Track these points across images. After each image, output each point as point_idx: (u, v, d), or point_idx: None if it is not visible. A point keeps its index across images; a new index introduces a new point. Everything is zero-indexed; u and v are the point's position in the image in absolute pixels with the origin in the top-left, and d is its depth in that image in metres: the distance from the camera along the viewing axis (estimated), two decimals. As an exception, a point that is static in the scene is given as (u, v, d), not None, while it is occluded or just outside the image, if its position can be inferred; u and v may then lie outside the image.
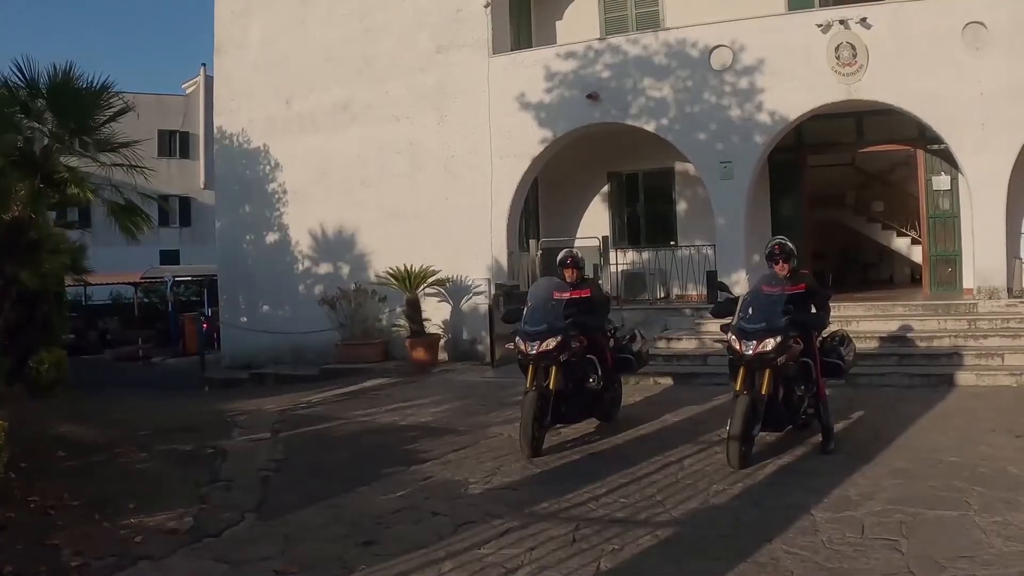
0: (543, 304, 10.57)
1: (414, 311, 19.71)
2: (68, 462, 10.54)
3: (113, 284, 36.77)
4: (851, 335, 11.51)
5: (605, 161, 21.53)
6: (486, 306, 19.14)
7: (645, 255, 21.21)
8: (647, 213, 21.87)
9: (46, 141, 15.11)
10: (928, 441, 9.86)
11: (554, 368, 10.11)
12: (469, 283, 20.08)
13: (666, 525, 7.23)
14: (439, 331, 20.25)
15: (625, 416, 11.76)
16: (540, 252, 20.90)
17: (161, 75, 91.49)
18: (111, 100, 15.60)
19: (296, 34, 22.61)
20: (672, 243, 20.98)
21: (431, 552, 6.74)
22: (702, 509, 7.70)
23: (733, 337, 9.39)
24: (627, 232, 22.05)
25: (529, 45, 21.41)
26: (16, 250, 14.54)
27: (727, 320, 9.85)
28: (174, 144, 49.32)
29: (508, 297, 18.04)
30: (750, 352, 9.12)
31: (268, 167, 23.00)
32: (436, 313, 20.36)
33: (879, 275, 24.94)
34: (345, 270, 21.63)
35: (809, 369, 9.95)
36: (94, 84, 15.14)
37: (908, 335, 15.58)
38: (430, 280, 19.84)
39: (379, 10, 21.43)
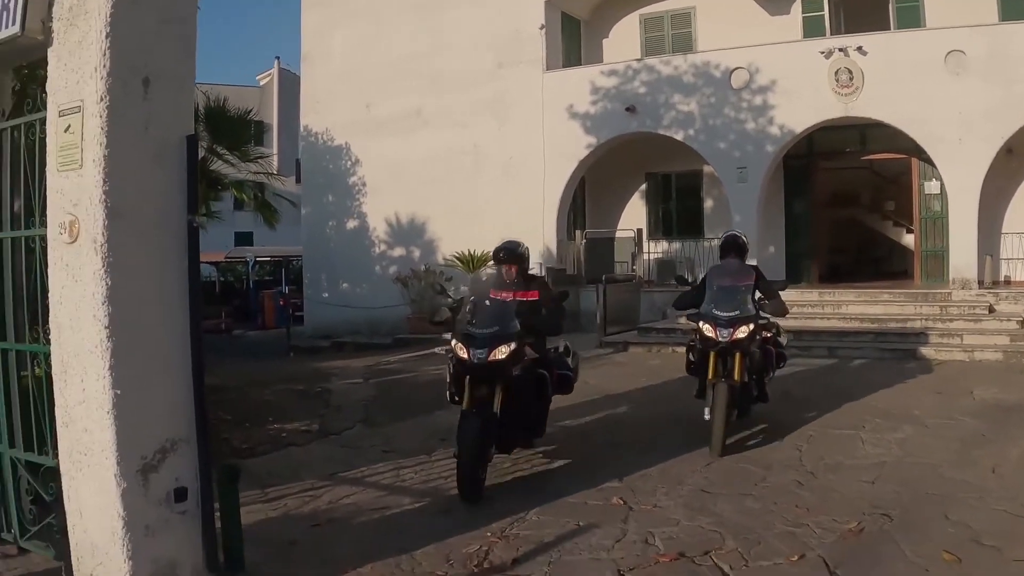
0: (491, 304, 8.70)
1: (475, 289, 22.73)
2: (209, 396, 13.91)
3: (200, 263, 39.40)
4: (840, 317, 15.25)
5: (643, 163, 24.46)
6: (537, 287, 22.23)
7: (676, 245, 24.30)
8: (678, 209, 24.96)
9: (202, 154, 18.44)
10: (871, 396, 12.25)
11: (500, 385, 8.00)
12: (523, 267, 23.12)
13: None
14: (495, 308, 23.20)
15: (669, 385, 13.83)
16: (584, 241, 24.02)
17: (235, 68, 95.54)
18: (251, 123, 19.20)
19: (374, 48, 25.94)
20: (699, 235, 23.88)
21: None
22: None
23: (706, 326, 9.54)
24: (661, 225, 25.06)
25: (579, 62, 24.53)
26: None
27: (691, 311, 10.05)
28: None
29: (557, 282, 21.07)
30: (726, 339, 9.33)
31: (349, 163, 26.40)
32: (493, 292, 23.33)
33: (891, 268, 27.02)
34: (416, 253, 24.88)
35: (770, 355, 10.24)
36: (239, 112, 18.67)
37: (886, 317, 18.28)
38: (490, 263, 22.86)
39: (447, 30, 24.74)
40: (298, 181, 30.40)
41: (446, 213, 24.33)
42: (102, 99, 5.13)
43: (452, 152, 24.12)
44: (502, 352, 8.00)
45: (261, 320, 31.55)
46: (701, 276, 11.03)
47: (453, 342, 8.38)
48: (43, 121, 5.91)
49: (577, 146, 22.87)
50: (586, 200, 25.69)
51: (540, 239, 22.68)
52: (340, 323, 24.83)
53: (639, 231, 24.29)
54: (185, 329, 5.54)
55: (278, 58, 53.15)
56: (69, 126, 5.34)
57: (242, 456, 9.59)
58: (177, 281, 5.49)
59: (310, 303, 27.12)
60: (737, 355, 9.37)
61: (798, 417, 10.86)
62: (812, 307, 19.15)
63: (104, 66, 5.14)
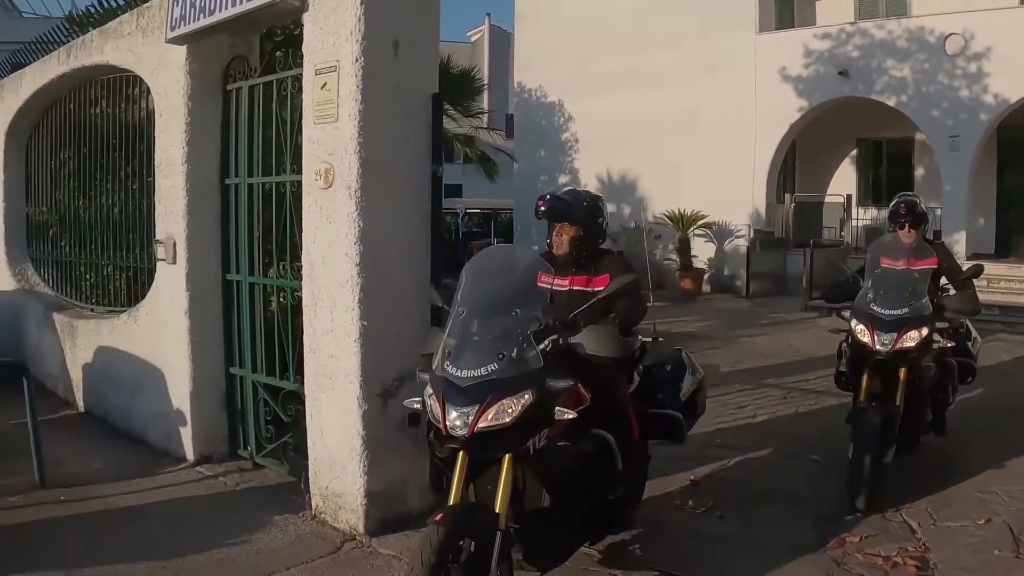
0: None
1: (684, 248, 23.22)
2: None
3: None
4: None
5: (854, 128, 24.03)
6: (745, 247, 22.44)
7: (884, 213, 23.71)
8: (888, 176, 24.40)
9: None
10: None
11: (506, 466, 4.46)
12: (732, 228, 23.36)
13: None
14: (703, 267, 23.59)
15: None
16: (793, 205, 23.94)
17: (445, 24, 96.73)
18: (472, 79, 19.99)
19: (588, 7, 26.09)
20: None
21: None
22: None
23: (861, 327, 6.96)
24: (871, 191, 24.64)
25: (791, 25, 24.19)
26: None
27: (844, 304, 7.43)
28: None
29: (765, 244, 21.19)
30: (887, 347, 6.75)
31: (562, 119, 26.91)
32: (702, 251, 23.69)
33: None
34: (626, 210, 25.19)
35: (950, 371, 7.78)
36: (462, 69, 19.47)
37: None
38: (699, 223, 23.21)
39: (660, -9, 24.70)
40: (509, 136, 31.03)
41: (655, 172, 24.53)
42: (357, 60, 5.70)
43: (663, 112, 24.12)
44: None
45: (468, 270, 32.17)
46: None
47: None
48: (295, 78, 6.59)
49: (789, 109, 22.69)
50: (796, 164, 25.52)
51: (749, 201, 22.77)
52: (549, 275, 25.25)
53: (848, 197, 24.07)
54: (426, 270, 6.10)
55: (488, 15, 53.91)
56: (325, 84, 5.95)
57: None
58: (421, 225, 6.08)
59: (516, 255, 27.77)
60: (902, 371, 6.86)
61: (992, 433, 8.78)
62: (1020, 283, 18.65)
63: (359, 30, 5.71)
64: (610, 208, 25.17)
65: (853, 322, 7.08)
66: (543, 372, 4.51)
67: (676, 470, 7.34)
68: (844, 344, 7.46)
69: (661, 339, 6.57)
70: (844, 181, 24.84)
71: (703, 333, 15.80)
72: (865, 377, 6.98)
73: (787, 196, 24.48)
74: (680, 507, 6.67)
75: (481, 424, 4.32)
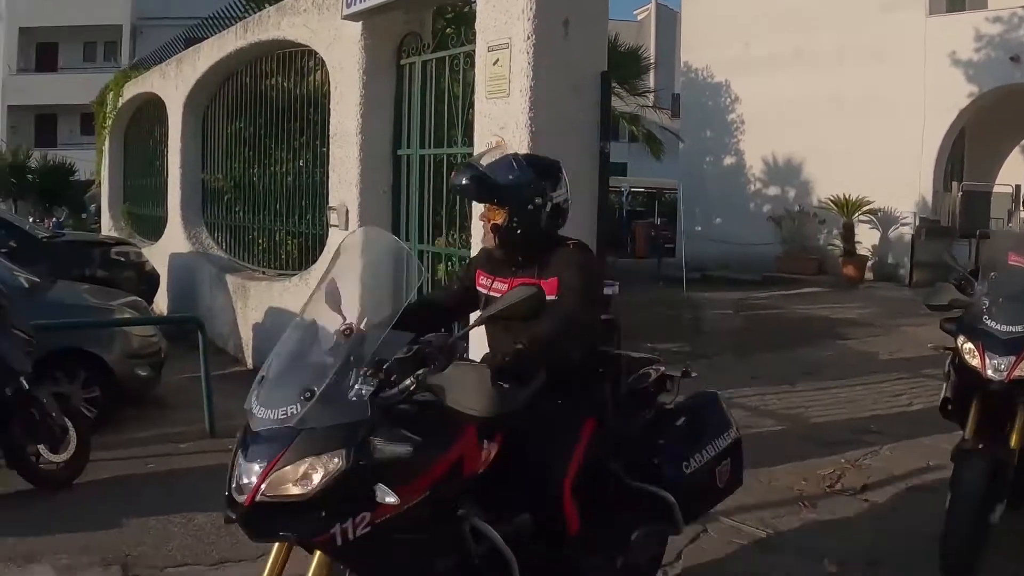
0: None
1: (848, 234, 22.68)
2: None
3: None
4: None
5: (1026, 116, 23.21)
6: (909, 235, 21.88)
7: (1053, 205, 22.80)
8: (1063, 167, 23.27)
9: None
10: None
11: (315, 562, 3.13)
12: (897, 215, 22.67)
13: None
14: (867, 254, 23.07)
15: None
16: (960, 194, 23.14)
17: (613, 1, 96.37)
18: (640, 58, 20.05)
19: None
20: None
21: (850, 380, 10.25)
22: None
23: (970, 346, 5.24)
24: (1043, 183, 23.65)
25: (962, 7, 23.22)
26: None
27: (952, 313, 5.71)
28: (625, 68, 52.98)
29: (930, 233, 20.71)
30: (1002, 374, 5.06)
31: (728, 100, 26.57)
32: (866, 237, 23.06)
33: None
34: (791, 193, 24.78)
35: None
36: (629, 48, 19.56)
37: None
38: (864, 209, 22.68)
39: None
40: (675, 116, 30.87)
41: (821, 155, 23.88)
42: (528, 38, 5.85)
43: (829, 93, 23.44)
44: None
45: (631, 249, 32.13)
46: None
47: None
48: (466, 55, 6.78)
49: (958, 95, 21.81)
50: (964, 151, 24.59)
51: (916, 188, 22.13)
52: (710, 257, 24.82)
53: (1017, 187, 23.10)
54: (592, 243, 6.18)
55: (656, -7, 53.55)
56: (497, 60, 6.11)
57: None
58: (588, 199, 6.15)
59: (682, 235, 27.60)
60: (1020, 407, 5.15)
61: None
62: None
63: (530, 9, 5.86)
64: (773, 191, 25.17)
65: (960, 339, 5.39)
66: (370, 426, 3.10)
67: (828, 453, 7.39)
68: (951, 364, 5.67)
69: (695, 374, 4.74)
70: (1014, 171, 23.80)
71: (864, 320, 15.47)
72: (973, 410, 5.32)
73: (954, 184, 23.59)
74: (830, 489, 6.65)
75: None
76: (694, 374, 4.68)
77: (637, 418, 4.32)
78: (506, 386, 3.32)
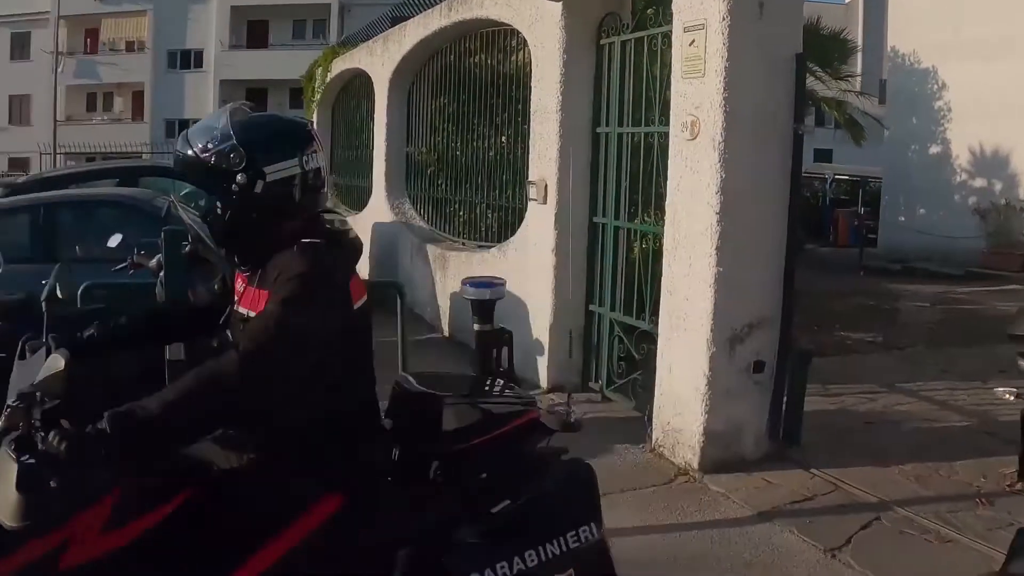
0: None
1: (1054, 229, 21.82)
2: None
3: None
4: None
5: None
6: None
7: None
8: None
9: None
10: None
11: None
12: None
13: None
14: (1074, 250, 22.09)
15: None
16: None
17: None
18: (842, 42, 19.72)
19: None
20: None
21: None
22: None
23: None
24: None
25: None
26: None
27: None
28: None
29: None
30: None
31: (935, 87, 25.68)
32: (1074, 234, 22.17)
33: None
34: (997, 186, 23.79)
35: None
36: (831, 31, 19.26)
37: None
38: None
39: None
40: (881, 102, 30.08)
41: (1029, 146, 23.10)
42: (724, 19, 5.97)
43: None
44: None
45: (833, 237, 31.58)
46: None
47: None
48: (664, 35, 6.94)
49: None
50: None
51: None
52: (911, 248, 24.23)
53: None
54: (783, 223, 6.33)
55: (867, -26, 52.16)
56: (693, 40, 6.25)
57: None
58: (780, 180, 6.28)
59: (884, 225, 27.01)
60: None
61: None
62: None
63: (726, -11, 5.98)
64: (980, 183, 24.31)
65: None
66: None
67: (1013, 451, 6.87)
68: None
69: (580, 426, 3.30)
70: None
71: (1063, 318, 14.96)
72: None
73: None
74: (1010, 488, 6.44)
75: None
76: (578, 426, 3.27)
77: (442, 497, 3.00)
78: (52, 482, 2.24)
